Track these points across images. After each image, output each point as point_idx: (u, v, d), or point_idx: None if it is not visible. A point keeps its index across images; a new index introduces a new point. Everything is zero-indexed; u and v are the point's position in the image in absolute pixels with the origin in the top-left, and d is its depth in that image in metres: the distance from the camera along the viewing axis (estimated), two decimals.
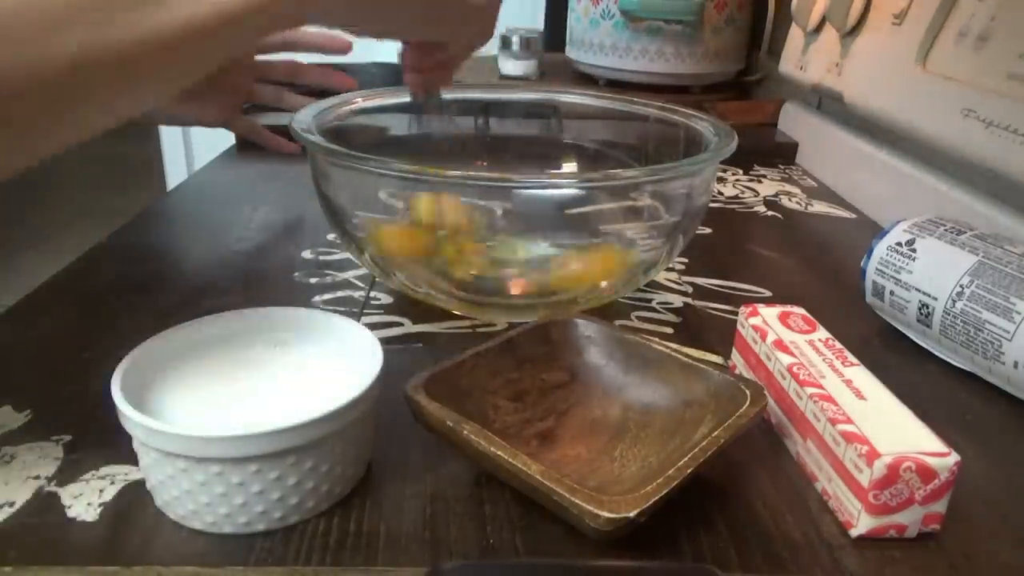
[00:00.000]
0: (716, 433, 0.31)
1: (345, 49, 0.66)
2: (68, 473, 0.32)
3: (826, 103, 0.86)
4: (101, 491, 0.31)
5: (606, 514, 0.27)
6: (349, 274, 0.53)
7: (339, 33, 0.51)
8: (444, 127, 0.58)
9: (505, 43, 1.12)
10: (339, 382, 0.33)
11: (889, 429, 0.31)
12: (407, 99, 0.55)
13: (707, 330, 0.47)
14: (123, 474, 0.32)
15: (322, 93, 0.53)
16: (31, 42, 0.25)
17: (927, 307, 0.43)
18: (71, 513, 0.30)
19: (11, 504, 0.31)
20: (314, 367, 0.34)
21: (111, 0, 0.26)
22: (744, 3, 1.05)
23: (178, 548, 0.29)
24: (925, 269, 0.43)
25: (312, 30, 0.65)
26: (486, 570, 0.28)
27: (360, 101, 0.52)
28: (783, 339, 0.38)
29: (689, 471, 0.29)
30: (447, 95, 0.54)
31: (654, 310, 0.50)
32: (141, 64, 0.28)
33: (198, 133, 2.08)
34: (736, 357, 0.42)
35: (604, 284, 0.46)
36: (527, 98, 0.60)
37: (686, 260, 0.57)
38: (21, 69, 0.25)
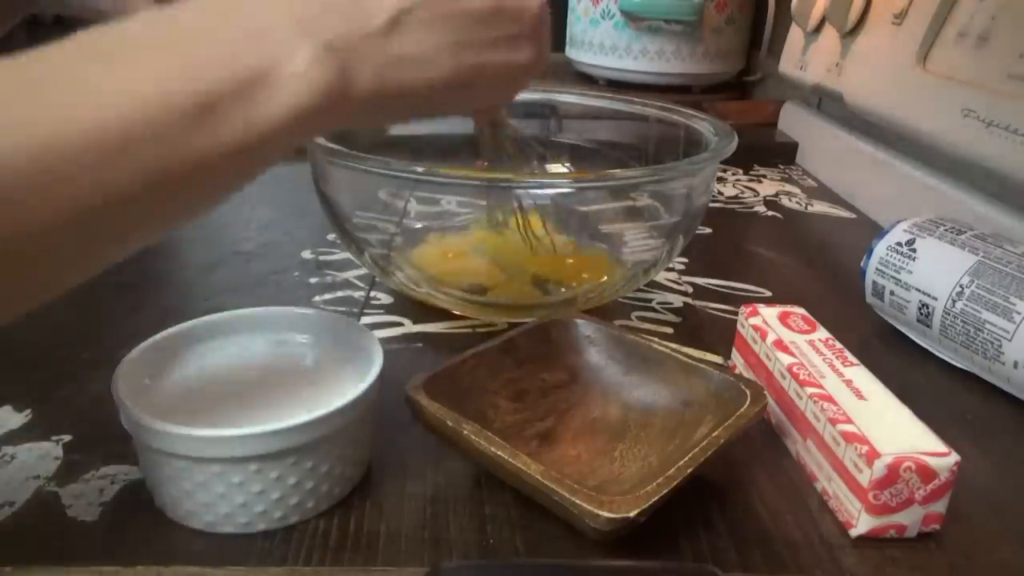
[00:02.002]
0: (716, 433, 0.31)
1: None
2: (68, 473, 0.32)
3: (826, 103, 0.86)
4: (101, 491, 0.31)
5: (606, 514, 0.27)
6: (349, 274, 0.53)
7: None
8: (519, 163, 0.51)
9: None
10: (339, 382, 0.33)
11: (889, 429, 0.31)
12: None
13: (707, 330, 0.47)
14: (123, 474, 0.32)
15: None
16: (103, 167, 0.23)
17: (927, 307, 0.43)
18: (71, 513, 0.30)
19: (11, 504, 0.31)
20: (314, 367, 0.34)
21: (168, 128, 0.24)
22: (744, 3, 1.05)
23: (178, 548, 0.29)
24: (925, 269, 0.43)
25: None
26: (486, 570, 0.28)
27: None
28: (783, 339, 0.38)
29: (689, 471, 0.29)
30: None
31: (654, 310, 0.50)
32: (178, 189, 0.26)
33: None
34: (736, 357, 0.42)
35: (604, 284, 0.46)
36: (527, 98, 0.60)
37: (686, 260, 0.57)
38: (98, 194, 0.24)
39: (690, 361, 0.36)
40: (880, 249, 0.46)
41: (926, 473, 0.29)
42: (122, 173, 0.23)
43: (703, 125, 0.49)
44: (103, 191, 0.24)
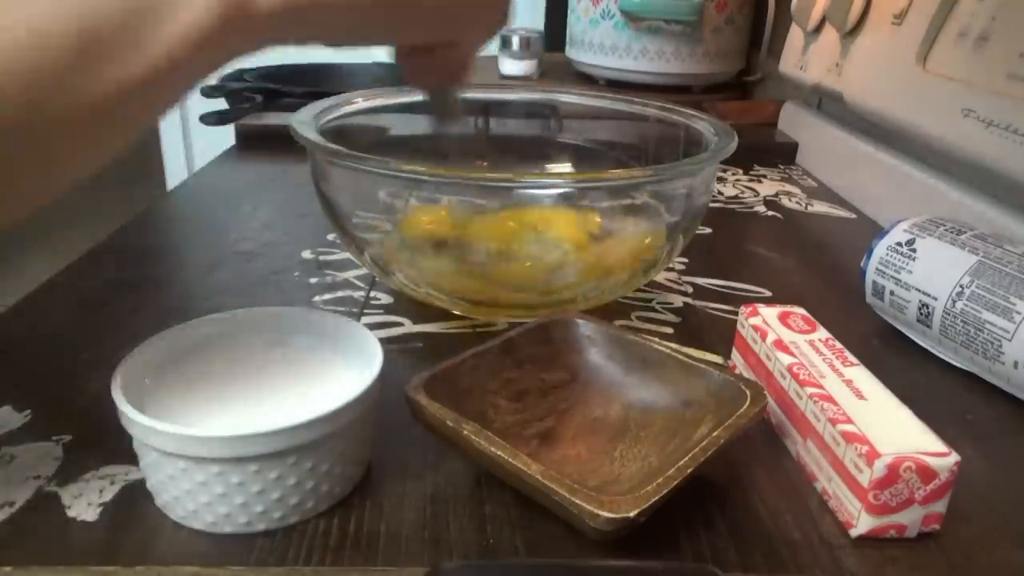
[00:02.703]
0: (716, 433, 0.31)
1: None
2: (68, 473, 0.32)
3: (826, 103, 0.86)
4: (101, 491, 0.31)
5: (606, 514, 0.27)
6: (349, 274, 0.53)
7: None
8: (460, 128, 0.48)
9: (505, 43, 1.12)
10: (339, 382, 0.33)
11: (889, 429, 0.31)
12: (407, 99, 0.54)
13: (707, 330, 0.47)
14: (123, 474, 0.32)
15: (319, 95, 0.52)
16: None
17: (927, 307, 0.43)
18: (71, 513, 0.30)
19: (11, 504, 0.31)
20: (314, 367, 0.34)
21: (91, 53, 0.22)
22: (744, 3, 1.05)
23: (178, 548, 0.29)
24: (925, 269, 0.43)
25: None
26: (486, 570, 0.28)
27: (360, 101, 0.52)
28: (783, 339, 0.38)
29: (689, 471, 0.29)
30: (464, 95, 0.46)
31: (654, 310, 0.50)
32: (66, 135, 0.24)
33: (198, 133, 2.08)
34: (736, 357, 0.42)
35: (604, 284, 0.46)
36: (527, 98, 0.60)
37: (686, 260, 0.57)
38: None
39: (690, 361, 0.36)
40: (880, 249, 0.46)
41: (926, 473, 0.29)
42: (2, 123, 0.22)
43: (703, 125, 0.49)
44: None
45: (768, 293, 0.53)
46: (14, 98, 0.22)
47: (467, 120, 0.46)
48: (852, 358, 0.36)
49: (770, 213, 0.70)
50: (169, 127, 2.05)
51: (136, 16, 0.23)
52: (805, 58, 0.84)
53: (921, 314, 0.43)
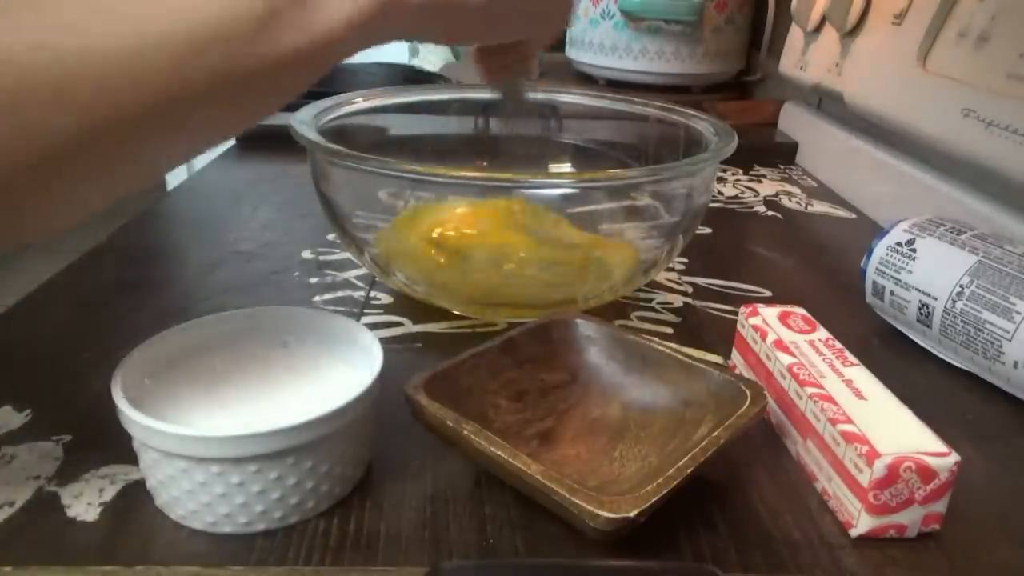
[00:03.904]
0: (716, 433, 0.31)
1: None
2: (68, 473, 0.32)
3: (826, 103, 0.86)
4: (101, 491, 0.31)
5: (606, 514, 0.27)
6: (349, 274, 0.53)
7: None
8: (529, 128, 0.52)
9: None
10: (339, 382, 0.33)
11: (889, 429, 0.31)
12: (407, 99, 0.54)
13: (707, 330, 0.47)
14: (123, 474, 0.32)
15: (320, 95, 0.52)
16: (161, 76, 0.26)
17: (927, 307, 0.43)
18: (71, 513, 0.30)
19: (11, 504, 0.31)
20: (314, 367, 0.34)
21: (233, 34, 0.27)
22: (744, 3, 1.05)
23: (178, 548, 0.29)
24: (925, 269, 0.43)
25: None
26: (486, 570, 0.28)
27: (360, 101, 0.52)
28: (783, 339, 0.38)
29: (689, 471, 0.29)
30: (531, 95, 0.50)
31: (654, 310, 0.50)
32: (241, 93, 0.28)
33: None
34: (736, 357, 0.42)
35: (603, 284, 0.46)
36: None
37: (686, 260, 0.57)
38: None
39: (690, 361, 0.36)
40: (880, 249, 0.46)
41: (926, 473, 0.29)
42: (193, 74, 0.26)
43: (703, 125, 0.49)
44: (175, 90, 0.26)
45: (768, 293, 0.53)
46: (216, 54, 0.27)
47: (534, 113, 0.50)
48: (852, 358, 0.36)
49: (770, 213, 0.70)
50: None
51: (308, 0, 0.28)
52: (805, 58, 0.84)
53: (921, 314, 0.43)
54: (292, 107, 0.50)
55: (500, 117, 0.48)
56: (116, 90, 0.25)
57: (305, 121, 0.45)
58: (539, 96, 0.59)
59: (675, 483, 0.28)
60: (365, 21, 0.29)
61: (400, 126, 0.56)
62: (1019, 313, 0.38)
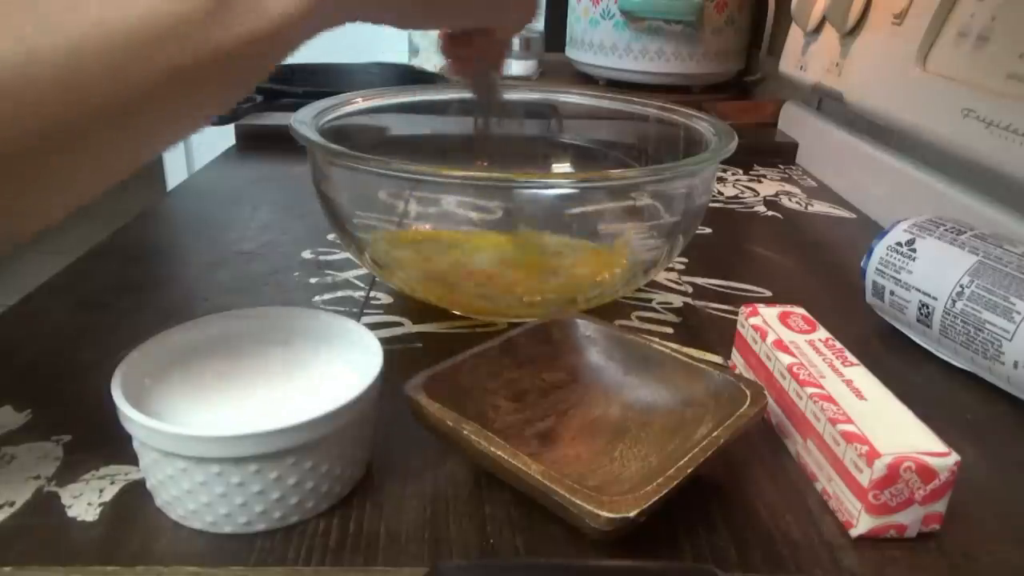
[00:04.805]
0: (716, 433, 0.31)
1: None
2: (68, 473, 0.32)
3: (826, 103, 0.86)
4: (101, 491, 0.31)
5: (606, 514, 0.27)
6: (349, 274, 0.53)
7: None
8: (509, 127, 0.52)
9: None
10: (339, 382, 0.33)
11: (889, 429, 0.31)
12: (407, 99, 0.54)
13: (707, 330, 0.47)
14: (123, 474, 0.32)
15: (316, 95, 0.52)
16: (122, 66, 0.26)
17: (927, 307, 0.43)
18: (71, 513, 0.30)
19: (11, 504, 0.31)
20: (314, 367, 0.34)
21: (180, 25, 0.27)
22: (744, 3, 1.05)
23: (178, 548, 0.29)
24: (925, 269, 0.43)
25: None
26: (486, 570, 0.28)
27: (360, 101, 0.52)
28: (783, 339, 0.38)
29: (689, 471, 0.29)
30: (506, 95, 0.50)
31: (654, 310, 0.50)
32: (200, 84, 0.28)
33: (198, 133, 2.08)
34: (736, 357, 0.42)
35: (604, 284, 0.46)
36: (527, 98, 0.60)
37: (686, 260, 0.57)
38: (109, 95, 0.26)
39: (690, 361, 0.36)
40: (880, 249, 0.46)
41: (926, 473, 0.29)
42: (148, 67, 0.26)
43: (703, 125, 0.49)
44: (131, 85, 0.26)
45: (768, 293, 0.53)
46: (167, 44, 0.26)
47: (507, 112, 0.50)
48: (852, 358, 0.36)
49: (770, 213, 0.70)
50: None
51: None
52: (805, 58, 0.84)
53: (921, 314, 0.43)
54: (292, 107, 0.50)
55: (475, 115, 0.47)
56: (68, 90, 0.25)
57: (305, 121, 0.45)
58: (534, 96, 0.59)
59: (675, 483, 0.28)
60: (312, 8, 0.29)
61: (400, 126, 0.56)
62: (1019, 313, 0.38)
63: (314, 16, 0.30)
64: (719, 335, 0.46)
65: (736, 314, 0.43)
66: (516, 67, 1.13)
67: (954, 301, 0.41)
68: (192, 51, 0.27)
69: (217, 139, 0.88)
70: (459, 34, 0.43)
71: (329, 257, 0.55)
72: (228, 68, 0.28)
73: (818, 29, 0.81)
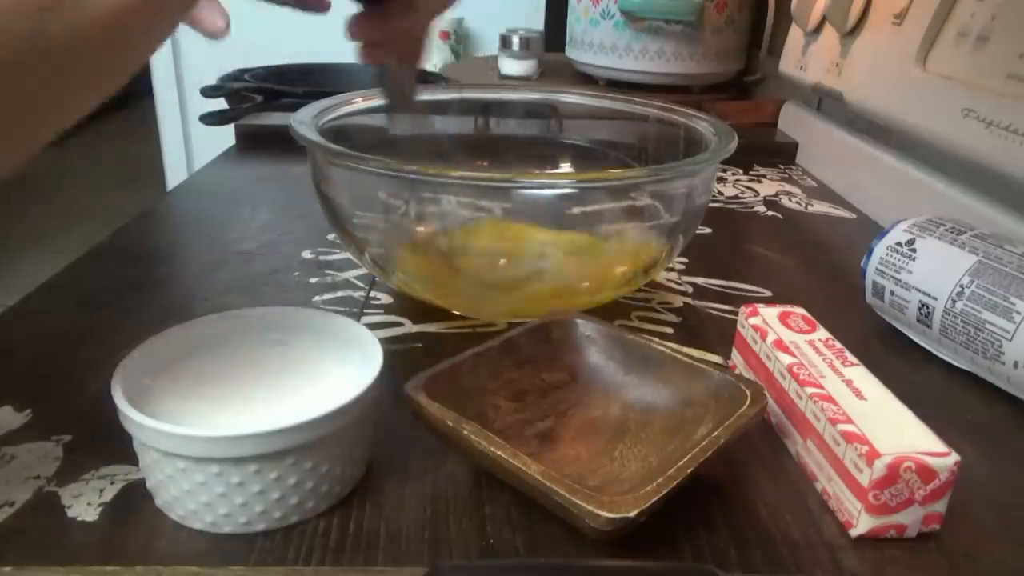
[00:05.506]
0: (716, 433, 0.31)
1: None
2: (68, 473, 0.32)
3: (826, 103, 0.86)
4: (101, 491, 0.31)
5: (606, 514, 0.27)
6: (349, 274, 0.53)
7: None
8: (417, 126, 0.47)
9: (505, 43, 1.12)
10: (339, 382, 0.33)
11: (889, 429, 0.31)
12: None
13: (707, 330, 0.47)
14: (123, 474, 0.32)
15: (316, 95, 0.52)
16: None
17: (927, 307, 0.43)
18: (71, 513, 0.30)
19: (11, 504, 0.31)
20: (314, 367, 0.34)
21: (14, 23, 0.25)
22: (744, 3, 1.05)
23: (178, 548, 0.29)
24: (925, 269, 0.43)
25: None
26: (486, 570, 0.28)
27: (360, 101, 0.52)
28: (783, 339, 0.38)
29: (689, 471, 0.29)
30: (431, 94, 0.46)
31: (654, 310, 0.50)
32: (31, 78, 0.26)
33: (198, 133, 2.08)
34: (736, 357, 0.42)
35: (604, 284, 0.46)
36: (527, 98, 0.60)
37: (686, 260, 0.57)
38: None
39: (690, 361, 0.36)
40: (880, 249, 0.46)
41: (926, 473, 0.29)
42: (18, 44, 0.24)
43: (703, 125, 0.49)
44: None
45: (768, 293, 0.53)
46: (28, 17, 0.25)
47: (422, 112, 0.45)
48: (852, 358, 0.36)
49: (770, 213, 0.70)
50: (169, 127, 2.05)
51: None
52: (805, 58, 0.84)
53: (921, 314, 0.43)
54: (292, 107, 0.50)
55: (384, 107, 0.42)
56: None
57: (305, 121, 0.45)
58: (534, 96, 0.59)
59: (675, 483, 0.28)
60: None
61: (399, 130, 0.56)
62: (1019, 313, 0.38)
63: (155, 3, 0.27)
64: (719, 335, 0.46)
65: (736, 314, 0.43)
66: (516, 67, 1.13)
67: (954, 301, 0.41)
68: (12, 42, 0.25)
69: (217, 139, 0.88)
70: (373, 11, 0.37)
71: (329, 257, 0.55)
72: (64, 63, 0.26)
73: (818, 29, 0.81)
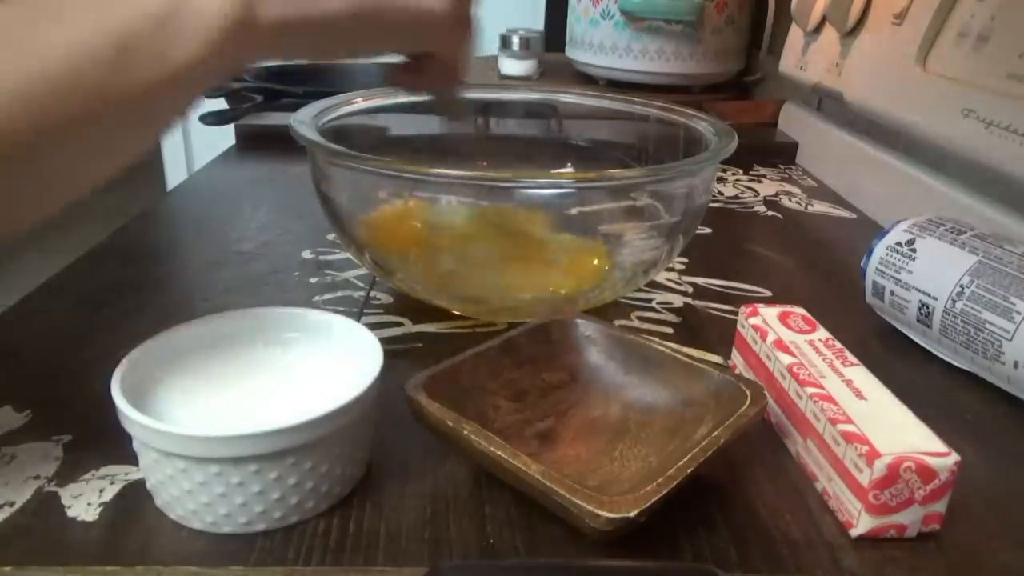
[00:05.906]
0: (716, 433, 0.31)
1: None
2: (68, 473, 0.32)
3: (826, 103, 0.86)
4: (101, 491, 0.31)
5: (606, 514, 0.27)
6: (349, 274, 0.53)
7: None
8: (470, 128, 0.54)
9: (505, 43, 1.12)
10: (339, 382, 0.33)
11: (889, 429, 0.31)
12: (407, 99, 0.54)
13: (707, 330, 0.47)
14: (123, 474, 0.32)
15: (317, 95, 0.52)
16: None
17: (927, 307, 0.43)
18: (71, 513, 0.30)
19: (11, 504, 0.31)
20: (314, 367, 0.34)
21: (88, 75, 0.27)
22: (744, 3, 1.05)
23: (178, 548, 0.29)
24: (925, 269, 0.43)
25: None
26: (486, 570, 0.28)
27: (360, 101, 0.52)
28: (783, 339, 0.38)
29: (689, 471, 0.29)
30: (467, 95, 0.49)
31: (654, 310, 0.50)
32: (101, 128, 0.28)
33: (198, 133, 2.08)
34: (736, 357, 0.42)
35: (604, 284, 0.46)
36: (527, 98, 0.60)
37: (686, 260, 0.57)
38: None
39: (690, 361, 0.36)
40: (880, 249, 0.46)
41: (926, 473, 0.29)
42: (56, 114, 0.27)
43: (703, 125, 0.49)
44: (43, 133, 0.27)
45: (768, 293, 0.53)
46: (69, 96, 0.27)
47: (474, 118, 0.50)
48: (852, 358, 0.36)
49: (770, 213, 0.70)
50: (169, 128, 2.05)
51: (162, 25, 0.28)
52: (805, 58, 0.84)
53: (921, 314, 0.43)
54: (292, 107, 0.50)
55: (441, 119, 0.48)
56: None
57: (305, 121, 0.45)
58: (534, 96, 0.59)
59: (675, 483, 0.28)
60: (221, 45, 0.29)
61: (400, 126, 0.56)
62: (1019, 313, 0.38)
63: (218, 58, 0.29)
64: (719, 335, 0.46)
65: (736, 314, 0.43)
66: (516, 67, 1.13)
67: (954, 301, 0.41)
68: (95, 101, 0.27)
69: (217, 139, 0.88)
70: (407, 64, 0.40)
71: (329, 257, 0.55)
72: (130, 115, 0.29)
73: (818, 29, 0.81)
